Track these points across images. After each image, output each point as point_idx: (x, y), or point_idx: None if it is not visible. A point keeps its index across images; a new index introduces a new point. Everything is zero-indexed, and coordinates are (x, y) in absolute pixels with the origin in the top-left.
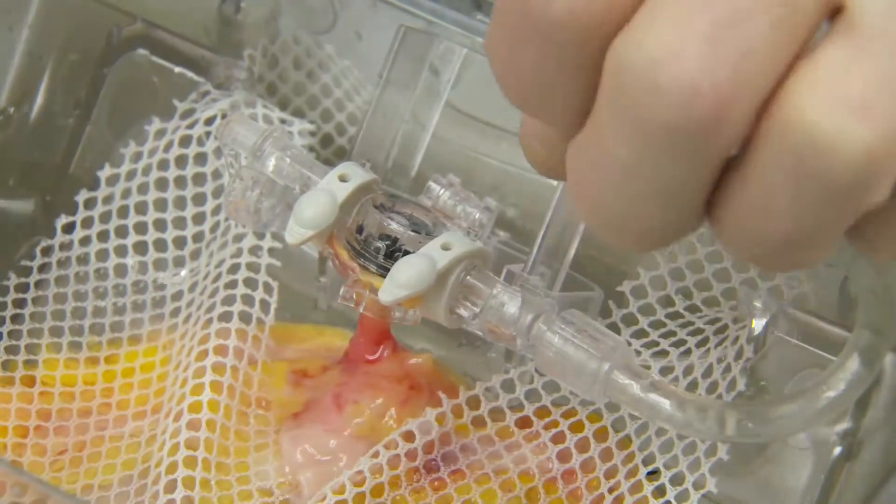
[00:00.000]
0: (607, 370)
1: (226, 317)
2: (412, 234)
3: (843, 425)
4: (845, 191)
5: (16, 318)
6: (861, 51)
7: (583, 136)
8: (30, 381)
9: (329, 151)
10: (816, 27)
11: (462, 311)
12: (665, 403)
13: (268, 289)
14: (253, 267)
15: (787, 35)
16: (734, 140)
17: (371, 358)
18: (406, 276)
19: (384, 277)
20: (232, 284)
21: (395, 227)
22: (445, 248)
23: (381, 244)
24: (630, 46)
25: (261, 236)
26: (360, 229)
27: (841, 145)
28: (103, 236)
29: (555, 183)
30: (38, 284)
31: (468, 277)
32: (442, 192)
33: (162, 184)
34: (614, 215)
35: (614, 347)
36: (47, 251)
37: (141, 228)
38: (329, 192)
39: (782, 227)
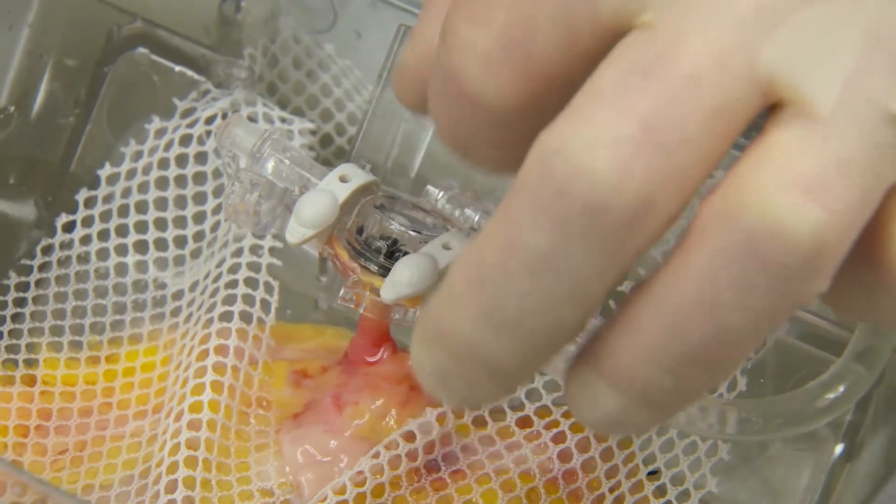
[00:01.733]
0: None
1: (226, 316)
2: (413, 234)
3: (844, 426)
4: (798, 274)
5: (16, 317)
6: (814, 134)
7: (489, 234)
8: (30, 381)
9: (329, 151)
10: (752, 118)
11: None
12: None
13: (268, 288)
14: (254, 266)
15: (723, 125)
16: (658, 229)
17: (371, 360)
18: (408, 275)
19: (385, 277)
20: (233, 284)
21: (396, 227)
22: (446, 247)
23: (381, 244)
24: (562, 130)
25: (261, 236)
26: (360, 230)
27: (795, 225)
28: (104, 235)
29: None
30: (38, 283)
31: None
32: (440, 195)
33: (162, 182)
34: (507, 313)
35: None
36: (47, 250)
37: (141, 227)
38: (330, 192)
39: (723, 323)
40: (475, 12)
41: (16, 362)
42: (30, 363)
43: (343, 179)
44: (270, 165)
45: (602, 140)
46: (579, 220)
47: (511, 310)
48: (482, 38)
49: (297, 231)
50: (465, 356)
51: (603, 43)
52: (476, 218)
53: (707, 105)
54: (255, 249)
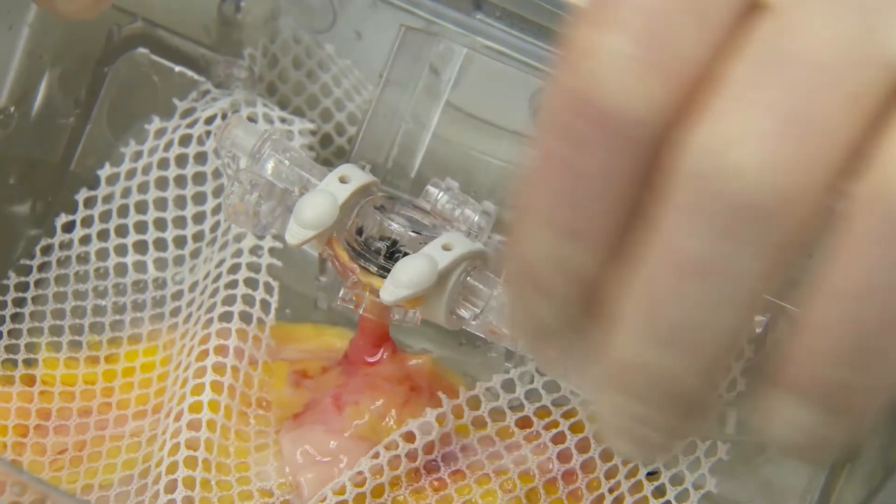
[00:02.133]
0: None
1: (226, 317)
2: (413, 234)
3: None
4: None
5: (16, 317)
6: None
7: (642, 248)
8: (30, 380)
9: (329, 151)
10: (887, 99)
11: (463, 312)
12: None
13: (268, 289)
14: (253, 267)
15: (859, 110)
16: (811, 219)
17: (371, 360)
18: (408, 275)
19: (384, 278)
20: (232, 284)
21: (396, 227)
22: (446, 248)
23: (381, 245)
24: (705, 132)
25: (261, 236)
26: (359, 231)
27: None
28: (103, 235)
29: None
30: (37, 283)
31: (468, 278)
32: (440, 195)
33: (162, 183)
34: (679, 327)
35: None
36: (47, 250)
37: (141, 227)
38: (329, 193)
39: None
40: (605, 16)
41: (15, 362)
42: (29, 363)
43: (343, 180)
44: (270, 166)
45: (745, 138)
46: (734, 219)
47: (684, 323)
48: (621, 41)
49: (297, 232)
50: (648, 387)
51: (732, 31)
52: (475, 218)
53: (843, 91)
54: (254, 250)
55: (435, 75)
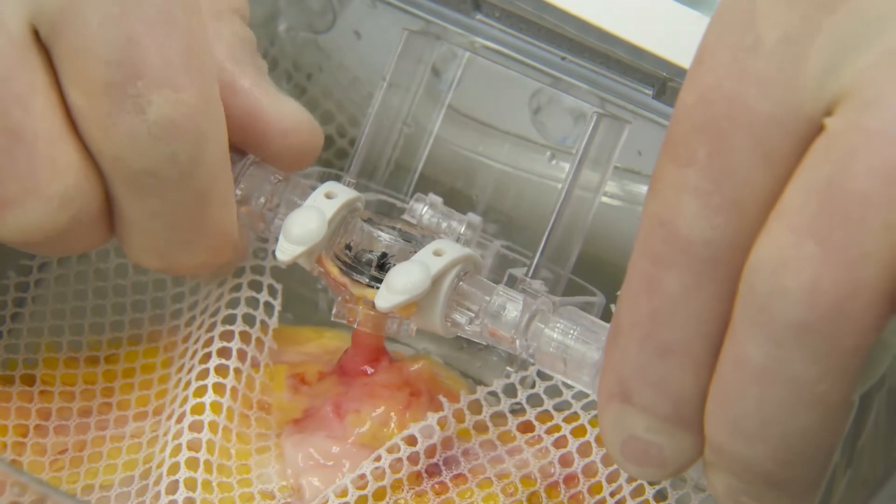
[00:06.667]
0: None
1: (230, 319)
2: (403, 243)
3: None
4: None
5: (16, 317)
6: None
7: (721, 356)
8: (30, 380)
9: (330, 153)
10: None
11: (458, 317)
12: None
13: (272, 291)
14: (257, 269)
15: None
16: (864, 335)
17: (367, 372)
18: (402, 282)
19: (376, 290)
20: (236, 287)
21: (385, 237)
22: (437, 254)
23: (371, 256)
24: (759, 254)
25: (264, 239)
26: (349, 245)
27: None
28: None
29: (558, 186)
30: (38, 283)
31: (462, 283)
32: (425, 210)
33: None
34: (755, 423)
35: None
36: None
37: None
38: (317, 208)
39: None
40: (679, 153)
41: (15, 362)
42: (29, 363)
43: (328, 196)
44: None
45: (790, 261)
46: (788, 332)
47: (753, 419)
48: (691, 176)
49: (286, 248)
50: (745, 471)
51: (797, 160)
52: (462, 229)
53: (880, 220)
54: (257, 252)
55: (436, 78)
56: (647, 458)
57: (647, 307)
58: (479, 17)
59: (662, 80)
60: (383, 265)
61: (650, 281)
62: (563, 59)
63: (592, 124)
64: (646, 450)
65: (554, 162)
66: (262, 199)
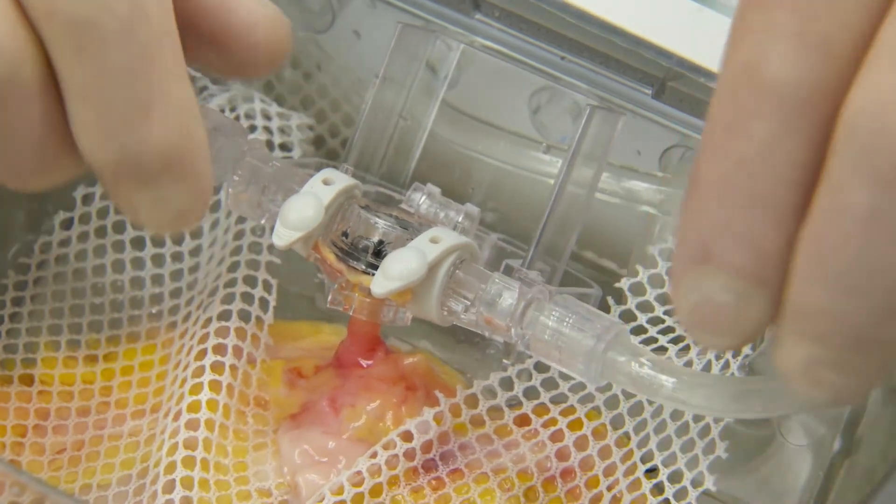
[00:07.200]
0: (604, 349)
1: (225, 315)
2: (400, 231)
3: (843, 422)
4: None
5: (14, 317)
6: None
7: (815, 205)
8: (28, 380)
9: (322, 152)
10: None
11: (454, 305)
12: (664, 380)
13: (267, 286)
14: (252, 264)
15: None
16: None
17: (364, 363)
18: (398, 268)
19: (373, 276)
20: (231, 282)
21: (382, 224)
22: (434, 241)
23: (368, 243)
24: (859, 95)
25: (260, 234)
26: (345, 232)
27: None
28: (101, 232)
29: (551, 181)
30: (36, 282)
31: (458, 271)
32: (423, 199)
33: None
34: (855, 273)
35: (609, 327)
36: (46, 247)
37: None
38: (314, 194)
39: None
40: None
41: (13, 362)
42: (28, 362)
43: (326, 182)
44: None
45: (893, 99)
46: (891, 173)
47: (859, 270)
48: (779, 16)
49: (283, 234)
50: (834, 333)
51: None
52: (459, 219)
53: None
54: (253, 247)
55: (431, 73)
56: (717, 322)
57: (733, 157)
58: (478, 16)
59: (662, 80)
60: (380, 252)
61: (735, 130)
62: (563, 58)
63: (586, 116)
64: (718, 312)
65: (550, 157)
66: (260, 186)
